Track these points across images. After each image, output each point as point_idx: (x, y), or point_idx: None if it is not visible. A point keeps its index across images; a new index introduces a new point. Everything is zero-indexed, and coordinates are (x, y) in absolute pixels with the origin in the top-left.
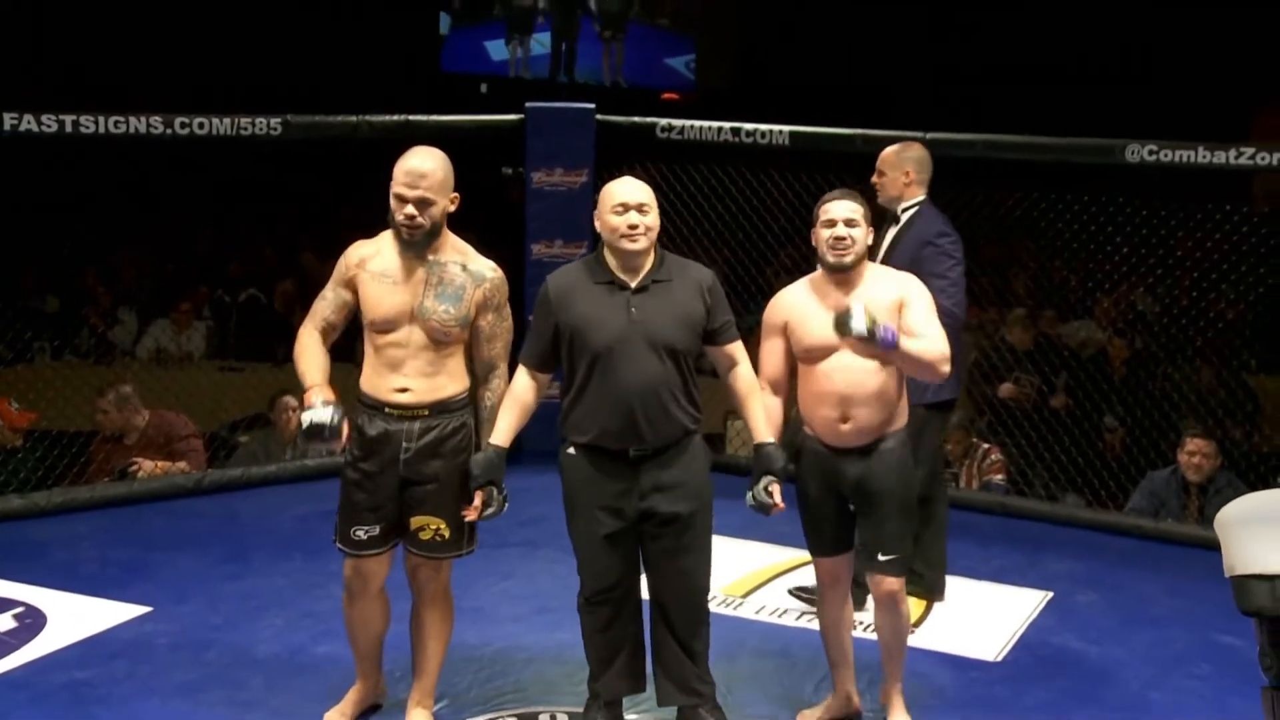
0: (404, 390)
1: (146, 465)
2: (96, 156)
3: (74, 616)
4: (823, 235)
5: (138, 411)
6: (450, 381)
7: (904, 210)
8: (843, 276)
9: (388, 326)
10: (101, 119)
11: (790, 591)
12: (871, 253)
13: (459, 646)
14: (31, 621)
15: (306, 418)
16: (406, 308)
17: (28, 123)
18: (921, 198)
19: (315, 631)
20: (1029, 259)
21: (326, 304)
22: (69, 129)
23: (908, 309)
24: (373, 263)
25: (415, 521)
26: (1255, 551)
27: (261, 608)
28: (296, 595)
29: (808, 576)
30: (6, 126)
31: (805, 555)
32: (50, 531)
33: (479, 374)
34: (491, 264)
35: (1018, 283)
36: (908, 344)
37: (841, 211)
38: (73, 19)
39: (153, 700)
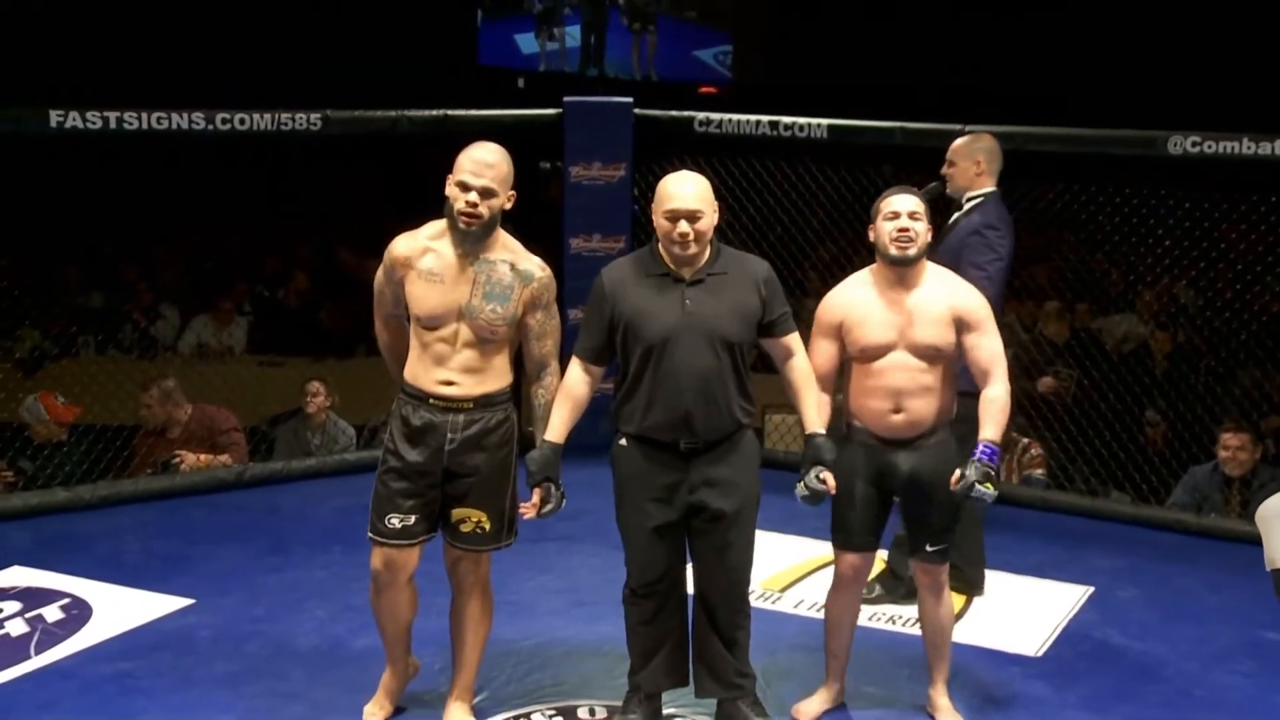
0: (449, 384)
1: (189, 459)
2: (140, 153)
3: (118, 608)
4: (884, 228)
5: (180, 405)
6: (495, 377)
7: (969, 199)
8: (902, 271)
9: (434, 323)
10: (145, 115)
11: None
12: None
13: (497, 640)
14: (78, 613)
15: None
16: (454, 306)
17: (74, 119)
18: (990, 189)
19: (355, 624)
20: (1069, 252)
21: (387, 301)
22: (113, 125)
23: (969, 330)
24: (421, 260)
25: (457, 514)
26: None
27: (302, 600)
28: (337, 588)
29: None
30: (54, 123)
31: None
32: (94, 524)
33: (531, 372)
34: (540, 262)
35: (1056, 276)
36: (993, 432)
37: (906, 204)
38: (116, 17)
39: (195, 691)
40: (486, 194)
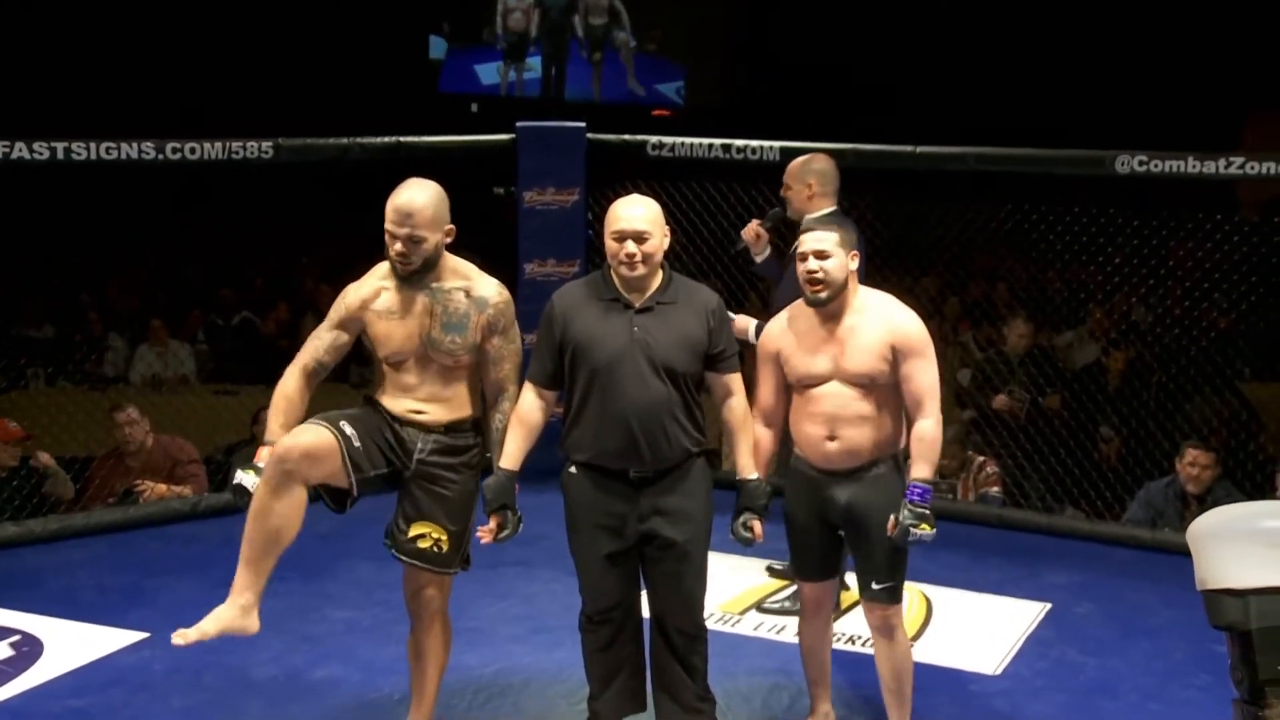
0: (419, 412)
1: (158, 489)
2: (89, 184)
3: (71, 644)
4: (798, 269)
5: (147, 432)
6: (463, 405)
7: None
8: (824, 310)
9: (399, 359)
10: (93, 145)
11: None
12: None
13: (457, 668)
14: (29, 649)
15: (237, 478)
16: (414, 340)
17: (19, 150)
18: (828, 209)
19: (313, 655)
20: (1020, 270)
21: (321, 344)
22: (60, 156)
23: (904, 360)
24: (376, 302)
25: (416, 528)
26: (1226, 566)
27: (259, 632)
28: (294, 619)
29: None
30: None
31: None
32: (46, 558)
33: (489, 396)
34: (496, 285)
35: (1009, 294)
36: (924, 470)
37: (811, 243)
38: (64, 46)
39: None
40: (413, 241)
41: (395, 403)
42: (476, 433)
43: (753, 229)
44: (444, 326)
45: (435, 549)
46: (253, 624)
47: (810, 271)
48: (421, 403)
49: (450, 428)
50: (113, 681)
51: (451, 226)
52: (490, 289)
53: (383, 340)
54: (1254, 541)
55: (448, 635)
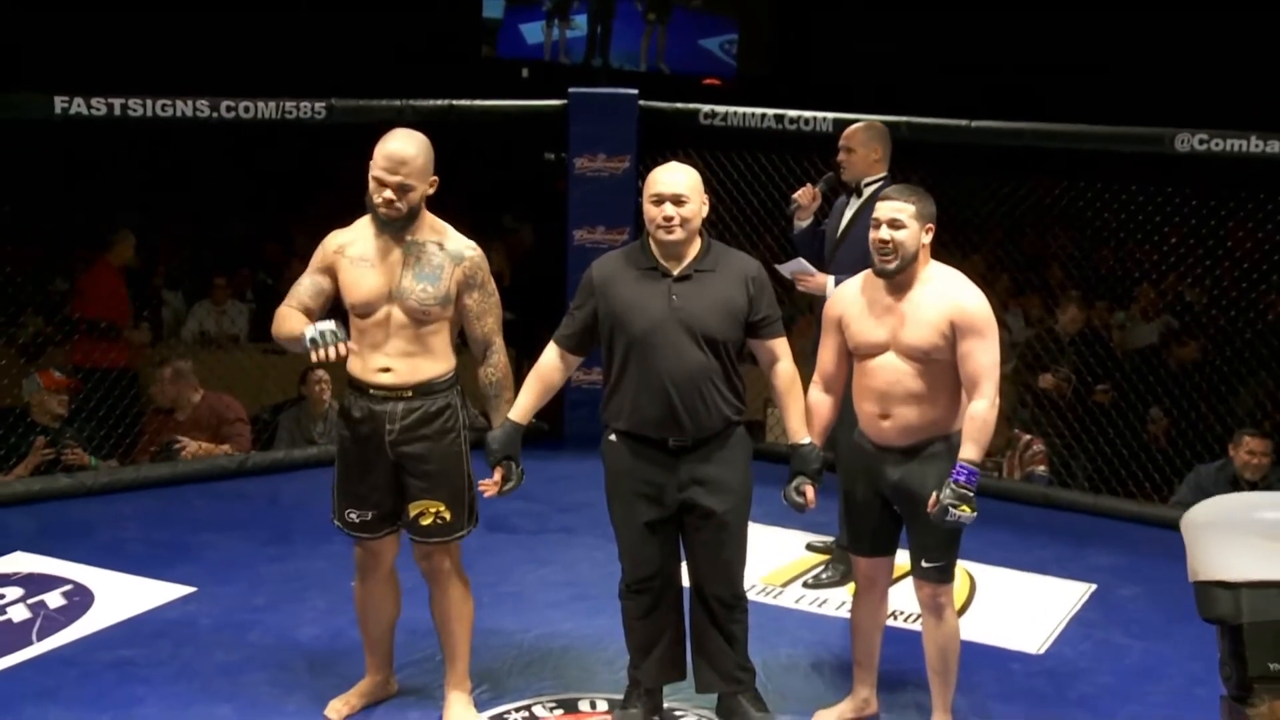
0: (386, 370)
1: (191, 446)
2: (142, 140)
3: (120, 595)
4: (871, 236)
5: (195, 389)
6: (433, 363)
7: (867, 185)
8: (892, 281)
9: (367, 309)
10: (150, 102)
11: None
12: (833, 226)
13: (498, 632)
14: (80, 599)
15: (309, 330)
16: (384, 289)
17: (78, 105)
18: (884, 174)
19: (355, 615)
20: (1075, 249)
21: (304, 289)
22: (118, 112)
23: (962, 338)
24: (351, 248)
25: (414, 508)
26: (1218, 558)
27: (303, 590)
28: (337, 578)
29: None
30: (58, 110)
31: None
32: (97, 511)
33: (475, 352)
34: (470, 243)
35: (1062, 273)
36: (973, 451)
37: (886, 212)
38: (122, 4)
39: (196, 681)
40: (402, 190)
41: (363, 363)
42: (449, 392)
43: (809, 191)
44: (416, 276)
45: (439, 521)
46: (393, 688)
47: (882, 240)
48: (390, 359)
49: (420, 389)
50: (160, 633)
51: (435, 178)
52: (465, 244)
53: (351, 287)
54: (1250, 533)
55: (467, 594)
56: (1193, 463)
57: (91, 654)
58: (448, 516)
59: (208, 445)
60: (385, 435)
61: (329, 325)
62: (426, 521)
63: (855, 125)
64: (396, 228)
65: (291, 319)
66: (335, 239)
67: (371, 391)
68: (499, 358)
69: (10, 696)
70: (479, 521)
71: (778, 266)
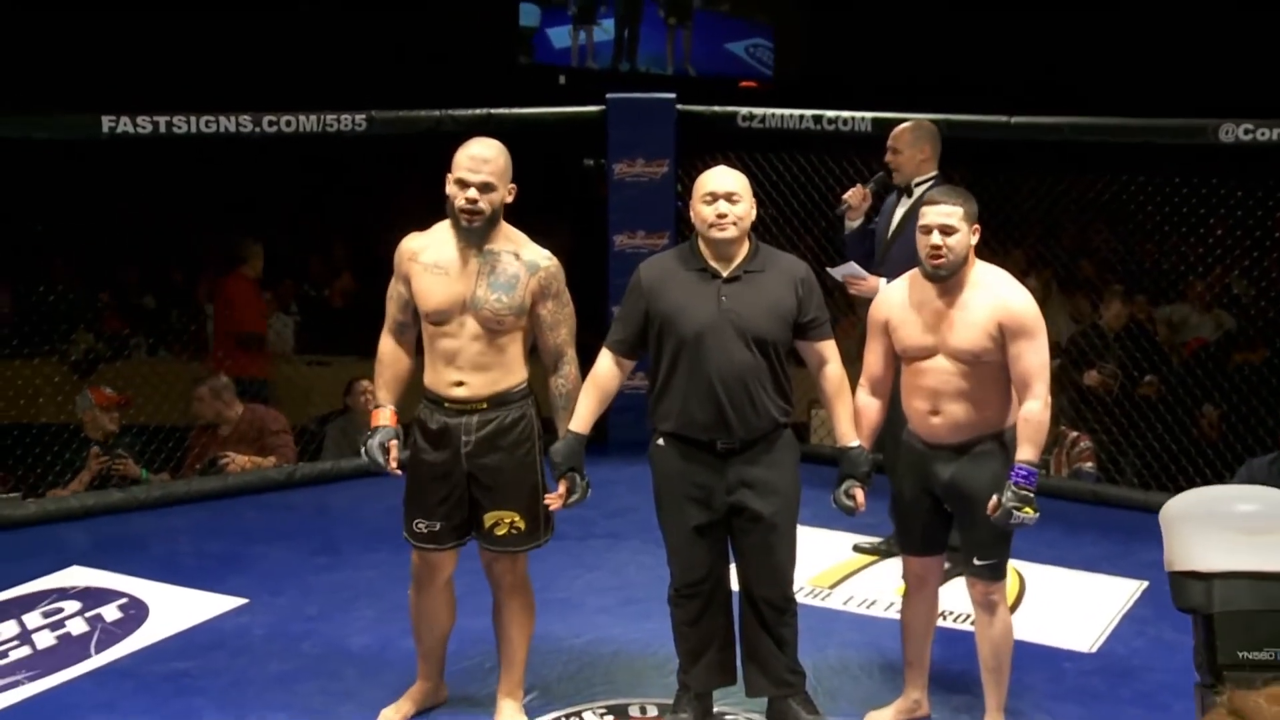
0: (460, 384)
1: (239, 460)
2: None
3: (174, 608)
4: (920, 241)
5: (231, 404)
6: (507, 374)
7: (918, 184)
8: (941, 285)
9: (441, 318)
10: (194, 119)
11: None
12: (883, 226)
13: (547, 638)
14: (135, 612)
15: (363, 453)
16: (459, 298)
17: (125, 124)
18: (934, 173)
19: (405, 624)
20: (1118, 243)
21: (393, 304)
22: (163, 130)
23: (1012, 340)
24: (425, 254)
25: (489, 518)
26: (1191, 549)
27: (353, 599)
28: (387, 587)
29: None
30: (105, 129)
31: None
32: (150, 525)
33: (547, 363)
34: (546, 253)
35: (1104, 267)
36: (1029, 452)
37: (937, 217)
38: (164, 24)
39: (250, 690)
40: (485, 189)
41: (437, 376)
42: (524, 403)
43: (859, 191)
44: (491, 286)
45: (513, 531)
46: (443, 694)
47: (934, 246)
48: (463, 372)
49: (494, 400)
50: (214, 645)
51: (514, 186)
52: (541, 254)
53: (425, 294)
54: (1223, 525)
55: (530, 604)
56: (1244, 456)
57: (148, 666)
58: (522, 526)
59: (254, 459)
60: (461, 448)
61: (377, 450)
62: (501, 531)
63: (902, 125)
64: (477, 235)
65: (379, 374)
66: (409, 244)
67: (447, 405)
68: (571, 369)
69: (70, 709)
70: (554, 531)
71: (829, 270)
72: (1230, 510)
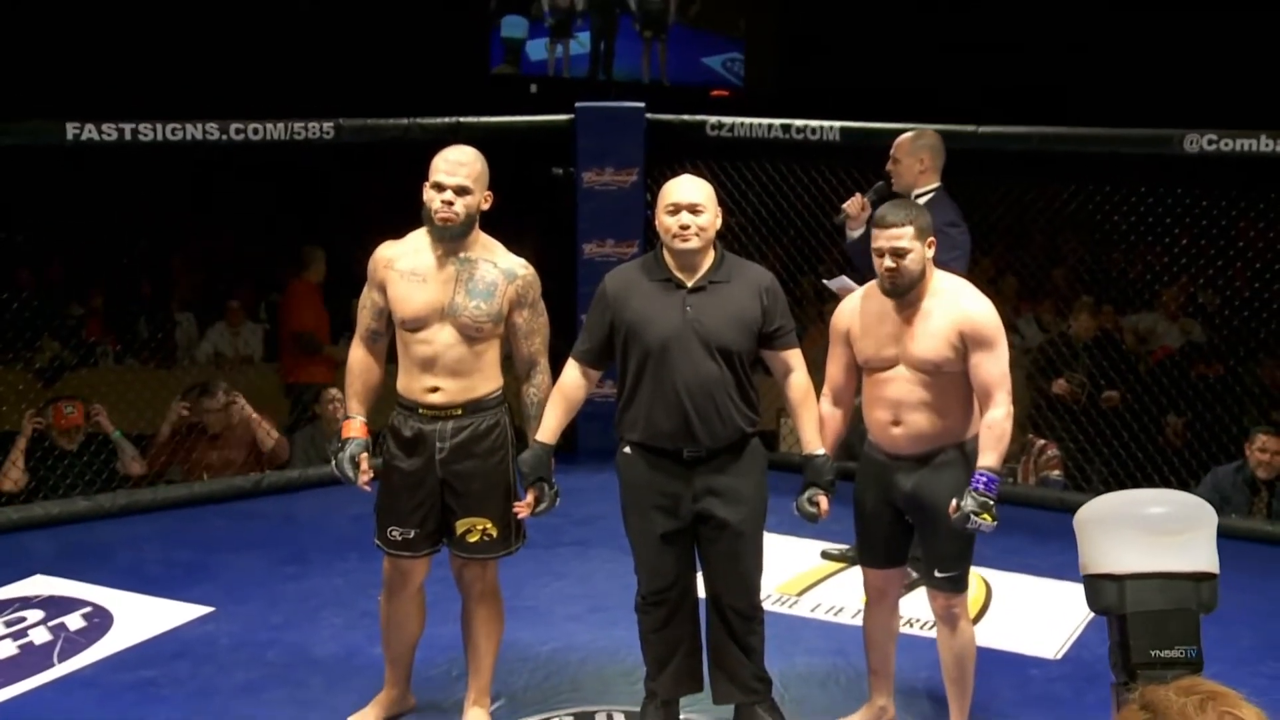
0: (435, 390)
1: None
2: (153, 165)
3: (139, 616)
4: (875, 262)
5: (241, 408)
6: (483, 381)
7: (918, 196)
8: (899, 301)
9: (417, 325)
10: (159, 126)
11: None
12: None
13: (514, 645)
14: (99, 621)
15: (333, 465)
16: (437, 305)
17: (89, 132)
18: (936, 184)
19: (372, 631)
20: (1085, 252)
21: (366, 312)
22: (128, 137)
23: (973, 349)
24: (401, 261)
25: (461, 524)
26: (1104, 552)
27: (320, 608)
28: (354, 595)
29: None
30: (69, 136)
31: None
32: (115, 533)
33: (520, 371)
34: (522, 261)
35: (1072, 276)
36: (992, 459)
37: (887, 241)
38: (129, 30)
39: (215, 699)
40: (461, 192)
41: (412, 382)
42: (498, 410)
43: (857, 201)
44: (469, 293)
45: (485, 538)
46: (410, 702)
47: (889, 269)
48: (438, 378)
49: (469, 407)
50: (179, 654)
51: (490, 193)
52: (518, 262)
53: (401, 302)
54: (1134, 528)
55: (499, 611)
56: (1209, 464)
57: (112, 675)
58: (495, 533)
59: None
60: (435, 454)
61: (348, 464)
62: (474, 538)
63: (905, 135)
64: (452, 238)
65: (349, 383)
66: (384, 251)
67: (421, 411)
68: (543, 378)
69: (33, 719)
70: (526, 539)
71: (824, 282)
72: (1141, 513)
